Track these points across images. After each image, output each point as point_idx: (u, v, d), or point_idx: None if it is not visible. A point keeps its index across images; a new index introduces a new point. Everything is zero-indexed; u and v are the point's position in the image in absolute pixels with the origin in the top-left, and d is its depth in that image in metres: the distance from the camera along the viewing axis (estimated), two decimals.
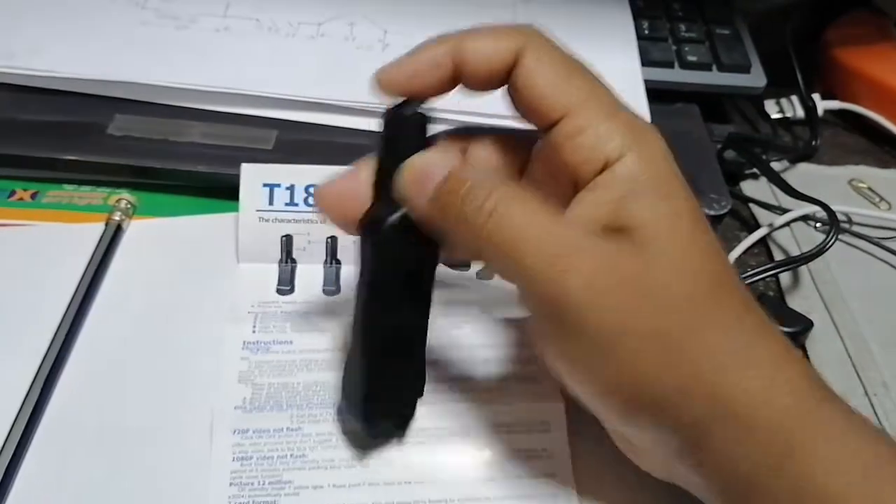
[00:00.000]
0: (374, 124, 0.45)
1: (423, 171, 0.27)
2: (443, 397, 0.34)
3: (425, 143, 0.28)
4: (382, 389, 0.30)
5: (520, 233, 0.25)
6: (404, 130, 0.28)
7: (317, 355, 0.35)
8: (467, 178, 0.26)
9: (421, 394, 0.31)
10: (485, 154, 0.31)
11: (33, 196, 0.42)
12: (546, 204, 0.26)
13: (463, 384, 0.35)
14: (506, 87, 0.28)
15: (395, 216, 0.27)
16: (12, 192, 0.42)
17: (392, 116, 0.28)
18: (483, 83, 0.28)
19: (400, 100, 0.28)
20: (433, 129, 0.29)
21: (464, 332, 0.37)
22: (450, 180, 0.27)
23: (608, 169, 0.26)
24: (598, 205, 0.26)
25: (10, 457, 0.31)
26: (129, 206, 0.41)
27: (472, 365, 0.35)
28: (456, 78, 0.28)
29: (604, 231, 0.26)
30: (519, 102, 0.28)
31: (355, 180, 0.29)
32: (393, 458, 0.32)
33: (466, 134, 0.31)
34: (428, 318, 0.30)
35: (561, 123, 0.27)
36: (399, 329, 0.30)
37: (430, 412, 0.33)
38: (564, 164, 0.27)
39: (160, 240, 0.40)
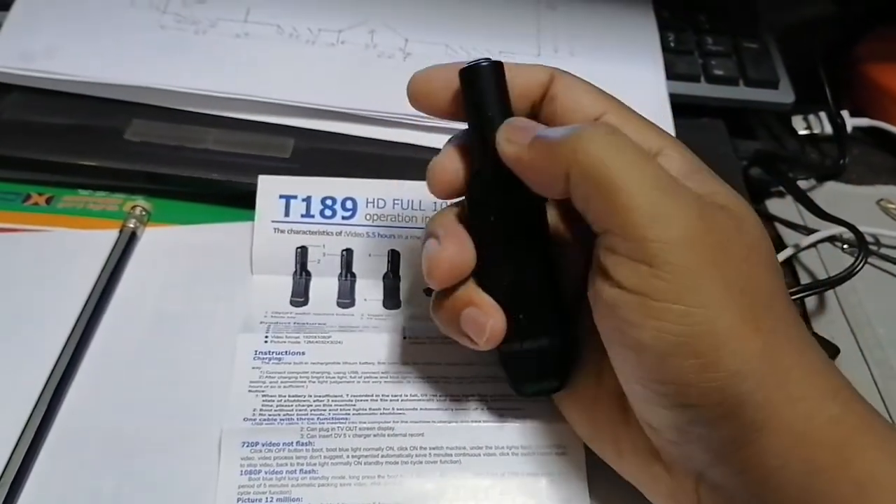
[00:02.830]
0: (393, 134, 0.45)
1: (524, 122, 0.28)
2: (457, 416, 0.33)
3: (507, 93, 0.29)
4: (519, 347, 0.30)
5: (634, 157, 0.25)
6: (485, 84, 0.29)
7: (329, 367, 0.35)
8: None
9: (566, 347, 0.30)
10: None
11: (48, 201, 0.42)
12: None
13: (478, 403, 0.34)
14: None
15: (482, 172, 0.29)
16: (27, 197, 0.42)
17: (470, 73, 0.29)
18: (520, 95, 0.30)
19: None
20: None
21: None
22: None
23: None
24: None
25: (20, 460, 0.31)
26: (143, 213, 0.41)
27: (487, 383, 0.35)
28: None
29: None
30: (557, 112, 0.29)
31: (460, 152, 0.30)
32: (405, 476, 0.31)
33: None
34: (550, 266, 0.30)
35: (602, 119, 0.29)
36: (523, 283, 0.29)
37: (444, 431, 0.33)
38: None
39: (174, 248, 0.40)
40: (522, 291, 0.29)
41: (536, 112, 0.30)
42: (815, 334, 0.40)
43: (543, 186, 0.28)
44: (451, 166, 0.30)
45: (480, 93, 0.29)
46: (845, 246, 0.46)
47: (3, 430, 0.32)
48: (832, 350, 0.39)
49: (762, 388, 0.24)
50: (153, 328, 0.36)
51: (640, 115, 0.30)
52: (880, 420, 0.25)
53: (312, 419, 0.32)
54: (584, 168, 0.25)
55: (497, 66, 0.29)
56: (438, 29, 0.49)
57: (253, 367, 0.34)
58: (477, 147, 0.29)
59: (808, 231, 0.46)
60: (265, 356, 0.35)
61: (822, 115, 0.55)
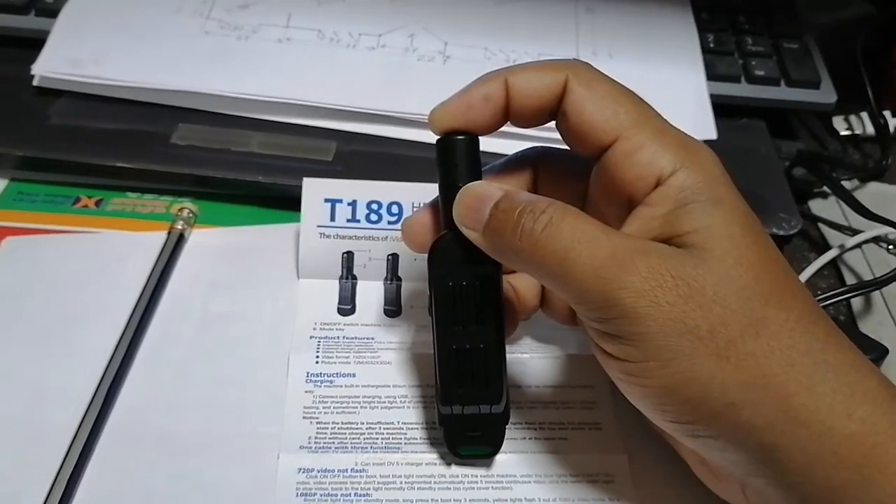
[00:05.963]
0: (433, 137, 0.45)
1: (478, 196, 0.28)
2: (508, 446, 0.33)
3: (479, 165, 0.30)
4: (460, 411, 0.31)
5: (571, 244, 0.25)
6: (457, 156, 0.29)
7: (379, 391, 0.35)
8: (521, 198, 0.27)
9: (506, 417, 0.31)
10: (554, 174, 0.31)
11: (98, 203, 0.43)
12: (597, 220, 0.26)
13: (528, 432, 0.34)
14: (554, 122, 0.29)
15: (446, 236, 0.29)
16: (77, 199, 0.43)
17: (444, 144, 0.29)
18: (532, 115, 0.29)
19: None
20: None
21: (526, 368, 0.36)
22: (505, 200, 0.27)
23: (662, 184, 0.27)
24: (651, 218, 0.27)
25: (75, 460, 0.31)
26: (190, 215, 0.41)
27: (536, 409, 0.35)
28: (506, 112, 0.29)
29: (656, 241, 0.26)
30: (570, 132, 0.28)
31: (434, 210, 0.31)
32: (458, 502, 0.31)
33: (536, 155, 0.32)
34: (500, 336, 0.30)
35: (615, 146, 0.27)
36: (469, 350, 0.30)
37: (495, 459, 0.33)
38: (620, 185, 0.27)
39: (221, 249, 0.41)
40: (471, 358, 0.30)
41: (553, 115, 0.29)
42: (862, 335, 0.39)
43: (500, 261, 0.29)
44: (422, 226, 0.31)
45: (451, 162, 0.29)
46: (891, 246, 0.46)
47: (57, 430, 0.32)
48: (881, 351, 0.38)
49: (762, 415, 0.24)
50: (202, 329, 0.37)
51: (665, 129, 0.28)
52: None
53: (366, 448, 0.33)
54: (536, 268, 0.27)
55: (472, 140, 0.29)
56: (477, 32, 0.49)
57: (305, 391, 0.34)
58: (444, 212, 0.30)
59: (853, 232, 0.46)
60: (317, 379, 0.35)
61: (864, 115, 0.54)
